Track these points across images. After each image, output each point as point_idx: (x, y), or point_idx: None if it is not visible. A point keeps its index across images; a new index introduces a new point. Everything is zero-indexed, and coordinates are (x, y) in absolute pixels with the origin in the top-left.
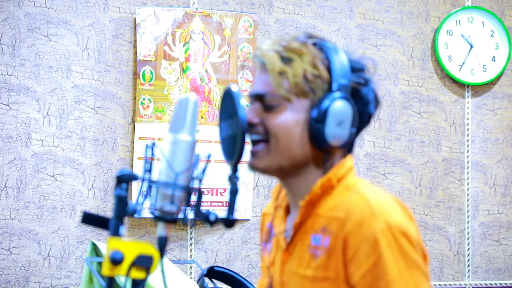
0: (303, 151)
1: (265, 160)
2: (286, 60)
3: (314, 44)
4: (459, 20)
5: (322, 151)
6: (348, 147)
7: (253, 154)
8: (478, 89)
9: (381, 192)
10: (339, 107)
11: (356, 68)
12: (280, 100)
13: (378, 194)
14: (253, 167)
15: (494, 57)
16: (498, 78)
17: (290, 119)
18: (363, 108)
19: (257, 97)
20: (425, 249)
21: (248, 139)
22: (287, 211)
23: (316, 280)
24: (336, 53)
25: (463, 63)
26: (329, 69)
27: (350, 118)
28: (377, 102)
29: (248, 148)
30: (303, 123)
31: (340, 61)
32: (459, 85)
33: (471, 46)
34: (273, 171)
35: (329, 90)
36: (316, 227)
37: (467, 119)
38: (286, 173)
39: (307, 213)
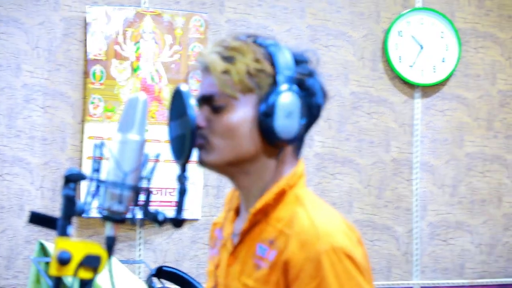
0: (251, 147)
1: (211, 155)
2: (228, 59)
3: (255, 42)
4: (410, 21)
5: (274, 145)
6: (298, 144)
7: (201, 147)
8: (428, 90)
9: (329, 212)
10: (287, 99)
11: (299, 60)
12: (227, 99)
13: (326, 216)
14: (202, 162)
15: (444, 58)
16: (447, 79)
17: (238, 117)
18: (310, 99)
19: (204, 100)
20: (371, 275)
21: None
22: (237, 212)
23: None
24: (277, 47)
25: (413, 64)
26: (272, 64)
27: (298, 109)
28: (324, 93)
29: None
30: (252, 119)
31: (283, 54)
32: (409, 86)
33: (421, 47)
34: (221, 167)
35: (275, 83)
36: (264, 237)
37: (417, 119)
38: (236, 170)
39: (255, 220)
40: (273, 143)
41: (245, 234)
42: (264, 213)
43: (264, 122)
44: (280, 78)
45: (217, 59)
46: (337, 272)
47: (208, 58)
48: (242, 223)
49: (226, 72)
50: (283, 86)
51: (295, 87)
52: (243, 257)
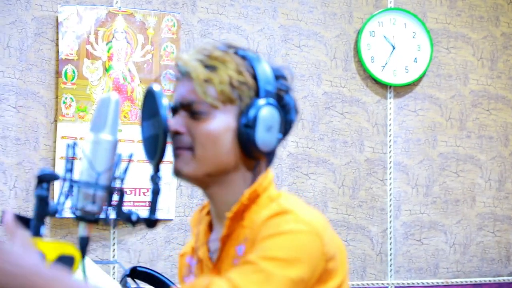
0: (231, 158)
1: (191, 166)
2: (211, 68)
3: (236, 53)
4: (382, 22)
5: (251, 157)
6: (270, 156)
7: (177, 156)
8: (400, 90)
9: (304, 204)
10: (268, 113)
11: (278, 76)
12: (207, 108)
13: (300, 203)
14: (178, 173)
15: (416, 58)
16: (420, 79)
17: (219, 126)
18: (286, 115)
19: (183, 106)
20: (334, 263)
21: (171, 145)
22: (210, 229)
23: None
24: (259, 61)
25: (386, 64)
26: (254, 77)
27: (277, 123)
28: (296, 110)
29: (170, 150)
30: (231, 130)
31: (264, 68)
32: (382, 86)
33: (394, 48)
34: (199, 178)
35: (256, 96)
36: (240, 238)
37: (389, 119)
38: (213, 181)
39: (233, 225)
40: (252, 155)
41: (224, 243)
42: (240, 217)
43: (245, 134)
44: (262, 91)
45: (199, 67)
46: (286, 237)
47: (189, 64)
48: (217, 236)
49: (208, 81)
50: (265, 100)
51: (274, 102)
52: (226, 265)
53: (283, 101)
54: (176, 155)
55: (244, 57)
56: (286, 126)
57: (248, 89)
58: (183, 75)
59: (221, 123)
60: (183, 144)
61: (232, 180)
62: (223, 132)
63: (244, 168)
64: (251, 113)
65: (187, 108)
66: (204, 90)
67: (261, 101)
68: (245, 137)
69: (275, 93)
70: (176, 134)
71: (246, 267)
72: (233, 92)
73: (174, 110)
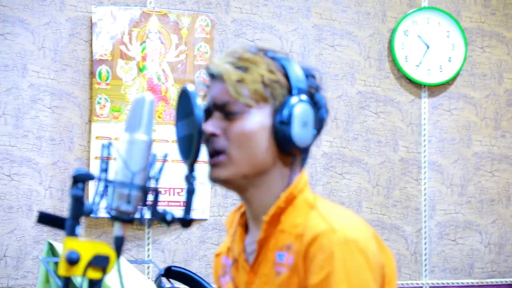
0: (268, 156)
1: (228, 169)
2: (242, 69)
3: (265, 55)
4: (416, 21)
5: (288, 154)
6: (305, 155)
7: (214, 165)
8: (435, 89)
9: (342, 210)
10: (302, 109)
11: (308, 75)
12: (241, 107)
13: (339, 213)
14: (214, 178)
15: (450, 57)
16: (454, 78)
17: (254, 125)
18: (317, 113)
19: (216, 108)
20: (386, 270)
21: (206, 150)
22: (245, 230)
23: None
24: (288, 61)
25: (420, 63)
26: (285, 76)
27: (312, 120)
28: (326, 108)
29: (205, 154)
30: (267, 128)
31: (295, 67)
32: (416, 86)
33: (428, 47)
34: (236, 181)
35: (289, 94)
36: (281, 244)
37: (424, 119)
38: (250, 183)
39: (270, 228)
40: (289, 151)
41: (261, 246)
42: (277, 220)
43: (281, 131)
44: (294, 89)
45: (231, 68)
46: (347, 265)
47: (221, 67)
48: (253, 239)
49: (240, 81)
50: (298, 97)
51: (307, 99)
52: (263, 269)
53: (314, 98)
54: (211, 164)
55: (273, 58)
56: (318, 124)
57: (280, 87)
58: (215, 77)
59: (256, 122)
60: (218, 146)
61: (269, 181)
62: (259, 130)
63: (280, 166)
64: (286, 110)
65: (221, 109)
66: (237, 90)
67: (295, 98)
68: (281, 134)
69: (306, 91)
70: (211, 136)
71: None
72: (266, 90)
73: (208, 113)
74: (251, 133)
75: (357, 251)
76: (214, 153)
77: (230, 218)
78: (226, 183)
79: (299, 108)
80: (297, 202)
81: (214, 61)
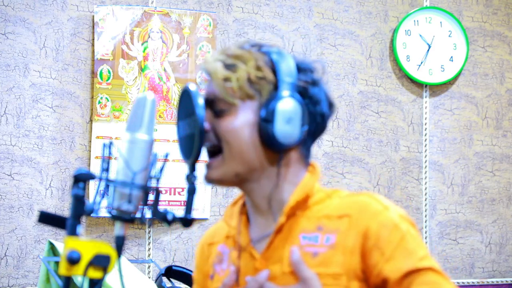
0: (256, 154)
1: (220, 169)
2: (230, 67)
3: (259, 50)
4: (417, 20)
5: (275, 151)
6: (303, 151)
7: (208, 166)
8: (436, 89)
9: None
10: (287, 105)
11: (303, 69)
12: (227, 105)
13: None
14: (208, 179)
15: (452, 57)
16: (455, 78)
17: (239, 122)
18: (314, 107)
19: (207, 105)
20: None
21: (204, 151)
22: (248, 220)
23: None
24: (280, 55)
25: (421, 63)
26: (274, 71)
27: (299, 115)
28: (329, 103)
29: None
30: (252, 125)
31: (286, 62)
32: (417, 85)
33: (429, 46)
34: (229, 179)
35: (276, 90)
36: (306, 227)
37: (425, 118)
38: (243, 179)
39: (292, 213)
40: (274, 148)
41: (278, 232)
42: (297, 208)
43: (264, 127)
44: (281, 84)
45: (219, 67)
46: (411, 233)
47: (211, 65)
48: (258, 229)
49: (226, 79)
50: (284, 92)
51: (296, 94)
52: (280, 253)
53: (308, 93)
54: (206, 165)
55: (265, 53)
56: (316, 118)
57: (267, 83)
58: (207, 75)
59: (242, 119)
60: (209, 141)
61: (260, 175)
62: (244, 127)
63: (269, 162)
64: (269, 106)
65: (210, 106)
66: (222, 88)
67: (279, 94)
68: (264, 130)
69: (297, 85)
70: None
71: (423, 276)
72: (251, 88)
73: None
74: (235, 130)
75: (410, 225)
76: (210, 154)
77: (228, 212)
78: (220, 182)
79: (283, 104)
80: (314, 192)
81: (206, 59)
